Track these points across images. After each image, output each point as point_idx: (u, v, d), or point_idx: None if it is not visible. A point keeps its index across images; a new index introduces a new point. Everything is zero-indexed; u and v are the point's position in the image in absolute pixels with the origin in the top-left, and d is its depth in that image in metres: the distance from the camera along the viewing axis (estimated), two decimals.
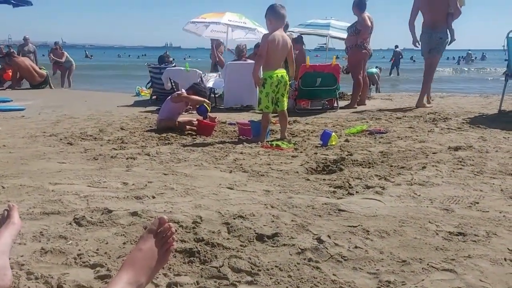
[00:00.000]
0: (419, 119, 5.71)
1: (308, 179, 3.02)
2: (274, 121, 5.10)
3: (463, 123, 5.26)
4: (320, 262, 1.74)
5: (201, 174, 3.12)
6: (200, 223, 2.11)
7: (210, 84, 7.86)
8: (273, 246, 1.89)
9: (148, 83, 9.24)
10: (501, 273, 1.66)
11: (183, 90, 5.37)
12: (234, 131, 5.13)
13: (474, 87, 16.32)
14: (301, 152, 3.95)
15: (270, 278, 1.61)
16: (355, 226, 2.09)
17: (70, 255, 1.77)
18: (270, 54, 4.38)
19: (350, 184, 2.82)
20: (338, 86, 7.07)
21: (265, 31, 5.74)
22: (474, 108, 6.75)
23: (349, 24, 7.89)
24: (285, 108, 4.61)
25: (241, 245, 1.89)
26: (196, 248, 1.82)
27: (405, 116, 5.96)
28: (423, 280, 1.60)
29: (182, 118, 5.42)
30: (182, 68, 7.82)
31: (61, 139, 4.46)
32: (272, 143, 4.33)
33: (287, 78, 4.54)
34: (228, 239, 1.95)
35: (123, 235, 1.99)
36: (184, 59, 31.25)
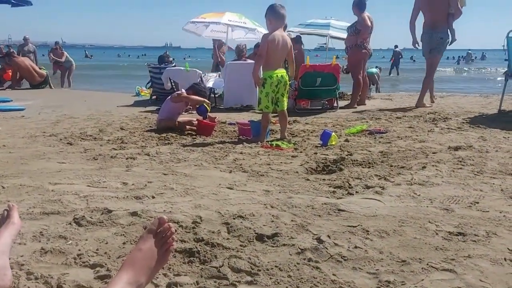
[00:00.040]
0: (419, 119, 5.71)
1: (308, 179, 3.02)
2: (274, 121, 5.10)
3: (463, 123, 5.26)
4: (320, 262, 1.74)
5: (201, 174, 3.12)
6: (200, 223, 2.11)
7: (210, 84, 7.86)
8: (273, 246, 1.88)
9: (148, 83, 9.24)
10: (501, 273, 1.65)
11: (183, 90, 5.37)
12: (234, 131, 5.13)
13: (474, 87, 16.33)
14: (301, 152, 3.95)
15: (270, 278, 1.61)
16: (355, 226, 2.09)
17: (70, 255, 1.77)
18: (270, 54, 4.38)
19: (350, 184, 2.82)
20: (338, 86, 7.07)
21: (265, 31, 5.74)
22: (474, 108, 6.75)
23: (349, 24, 7.89)
24: (285, 108, 4.61)
25: (241, 245, 1.89)
26: (196, 248, 1.82)
27: (405, 116, 5.96)
28: (422, 280, 1.60)
29: (182, 118, 5.41)
30: (182, 68, 7.82)
31: (61, 139, 4.46)
32: (272, 143, 4.33)
33: (287, 78, 4.54)
34: (228, 239, 1.95)
35: (123, 235, 1.99)
36: (184, 59, 31.25)
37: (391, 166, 3.31)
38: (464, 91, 12.89)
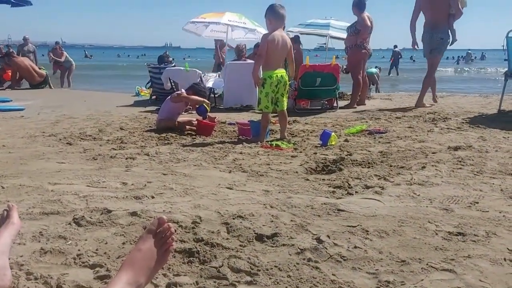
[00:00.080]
0: (418, 119, 5.71)
1: (308, 179, 3.02)
2: (273, 121, 5.10)
3: (463, 123, 5.26)
4: (320, 262, 1.74)
5: (201, 174, 3.12)
6: (199, 223, 2.11)
7: (209, 84, 7.86)
8: (272, 246, 1.88)
9: (147, 83, 9.24)
10: (501, 273, 1.65)
11: (183, 90, 5.37)
12: (233, 131, 5.13)
13: (474, 87, 16.33)
14: (301, 152, 3.95)
15: (270, 278, 1.61)
16: (355, 226, 2.09)
17: (70, 255, 1.77)
18: (270, 54, 4.38)
19: (349, 184, 2.82)
20: (338, 86, 7.07)
21: (264, 31, 5.75)
22: (473, 108, 6.75)
23: (348, 24, 7.89)
24: (285, 108, 4.62)
25: (240, 245, 1.89)
26: (196, 248, 1.81)
27: (404, 116, 5.96)
28: (422, 280, 1.60)
29: (182, 118, 5.41)
30: (182, 68, 7.82)
31: (60, 139, 4.46)
32: (272, 143, 4.33)
33: (287, 78, 4.54)
34: (227, 239, 1.95)
35: (123, 235, 1.99)
36: (184, 59, 31.23)
37: (391, 166, 3.31)
38: (464, 91, 12.89)
